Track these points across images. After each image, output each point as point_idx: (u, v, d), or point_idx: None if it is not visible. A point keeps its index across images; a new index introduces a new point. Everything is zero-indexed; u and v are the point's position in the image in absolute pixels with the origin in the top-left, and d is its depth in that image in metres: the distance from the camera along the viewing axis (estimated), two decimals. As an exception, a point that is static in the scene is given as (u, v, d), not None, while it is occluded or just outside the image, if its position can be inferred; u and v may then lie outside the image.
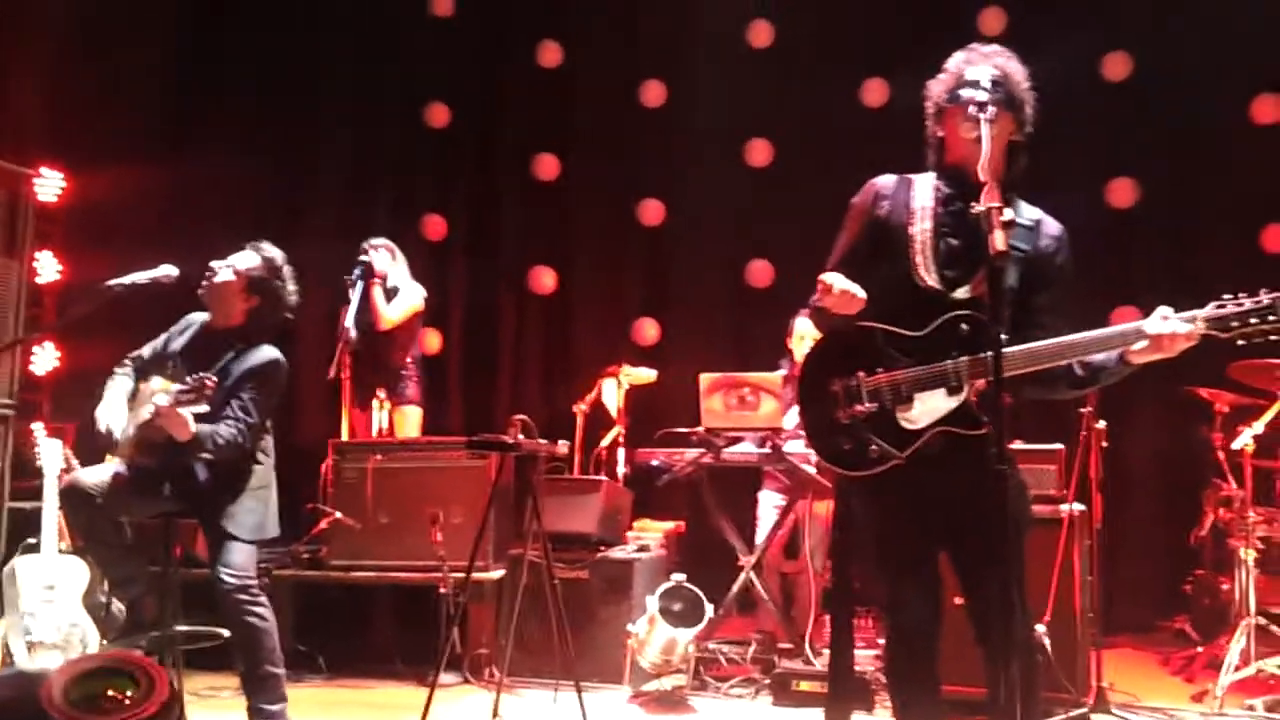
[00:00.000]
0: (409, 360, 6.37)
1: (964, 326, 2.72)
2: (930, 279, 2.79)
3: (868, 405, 2.80)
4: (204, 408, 3.75)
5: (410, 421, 6.30)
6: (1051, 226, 2.88)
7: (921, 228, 2.83)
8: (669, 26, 7.62)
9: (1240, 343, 2.56)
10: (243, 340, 4.10)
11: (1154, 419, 6.68)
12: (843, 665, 4.15)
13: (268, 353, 4.08)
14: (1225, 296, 2.58)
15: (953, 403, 2.72)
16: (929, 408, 2.75)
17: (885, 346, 2.80)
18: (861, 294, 2.75)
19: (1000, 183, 2.58)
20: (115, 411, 4.08)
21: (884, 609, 2.95)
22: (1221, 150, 6.76)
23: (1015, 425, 2.93)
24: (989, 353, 2.46)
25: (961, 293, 2.77)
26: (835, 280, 2.76)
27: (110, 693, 3.57)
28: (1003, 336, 2.64)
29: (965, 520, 2.66)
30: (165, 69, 7.35)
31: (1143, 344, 2.59)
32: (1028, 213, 2.86)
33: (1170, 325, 2.56)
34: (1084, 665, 4.52)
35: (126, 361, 4.27)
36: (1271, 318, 2.52)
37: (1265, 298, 2.53)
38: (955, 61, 2.85)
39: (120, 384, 4.17)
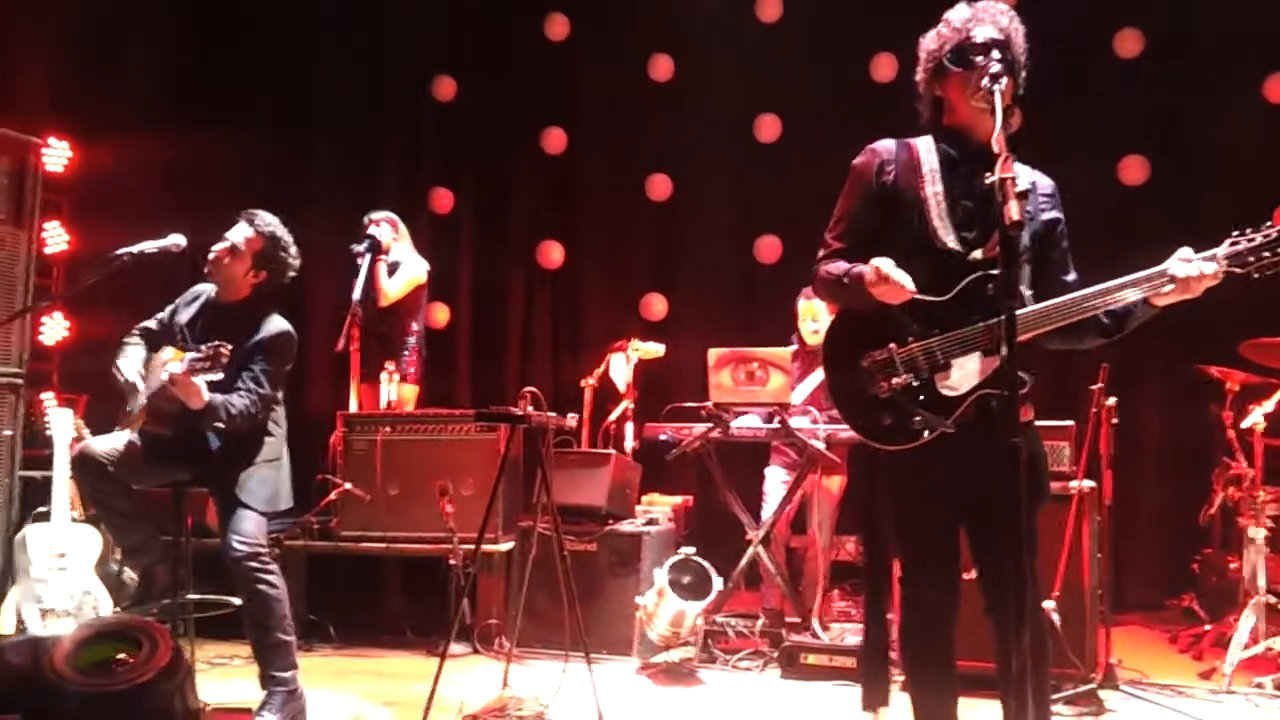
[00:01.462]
0: (410, 336, 6.35)
1: (989, 287, 2.69)
2: (951, 241, 2.76)
3: (905, 376, 2.77)
4: (218, 375, 3.75)
5: (406, 401, 6.29)
6: (1044, 185, 2.89)
7: (934, 190, 2.80)
8: (677, 0, 7.58)
9: (1255, 276, 2.58)
10: (251, 312, 4.10)
11: (1165, 397, 6.69)
12: (878, 641, 4.18)
13: (278, 324, 4.09)
14: (1236, 232, 2.60)
15: (990, 365, 2.70)
16: (968, 372, 2.73)
17: (908, 315, 2.76)
18: (912, 286, 2.69)
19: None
20: (134, 368, 4.07)
21: (901, 582, 2.94)
22: (1234, 129, 6.72)
23: (1035, 394, 2.90)
24: (1017, 310, 2.47)
25: (978, 253, 2.75)
26: (889, 268, 2.68)
27: (115, 655, 3.58)
28: (1027, 293, 2.67)
29: (983, 491, 2.65)
30: (172, 39, 7.31)
31: (1169, 286, 2.60)
32: (1024, 175, 2.82)
33: (1195, 266, 2.58)
34: (1093, 641, 4.53)
35: (135, 332, 4.27)
36: None
37: (1275, 231, 2.56)
38: (957, 17, 2.81)
39: (131, 353, 4.17)
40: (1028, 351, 2.71)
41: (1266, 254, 2.55)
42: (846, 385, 2.88)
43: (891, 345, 2.79)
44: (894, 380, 2.78)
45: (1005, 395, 2.45)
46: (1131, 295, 2.64)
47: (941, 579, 2.85)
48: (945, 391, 2.74)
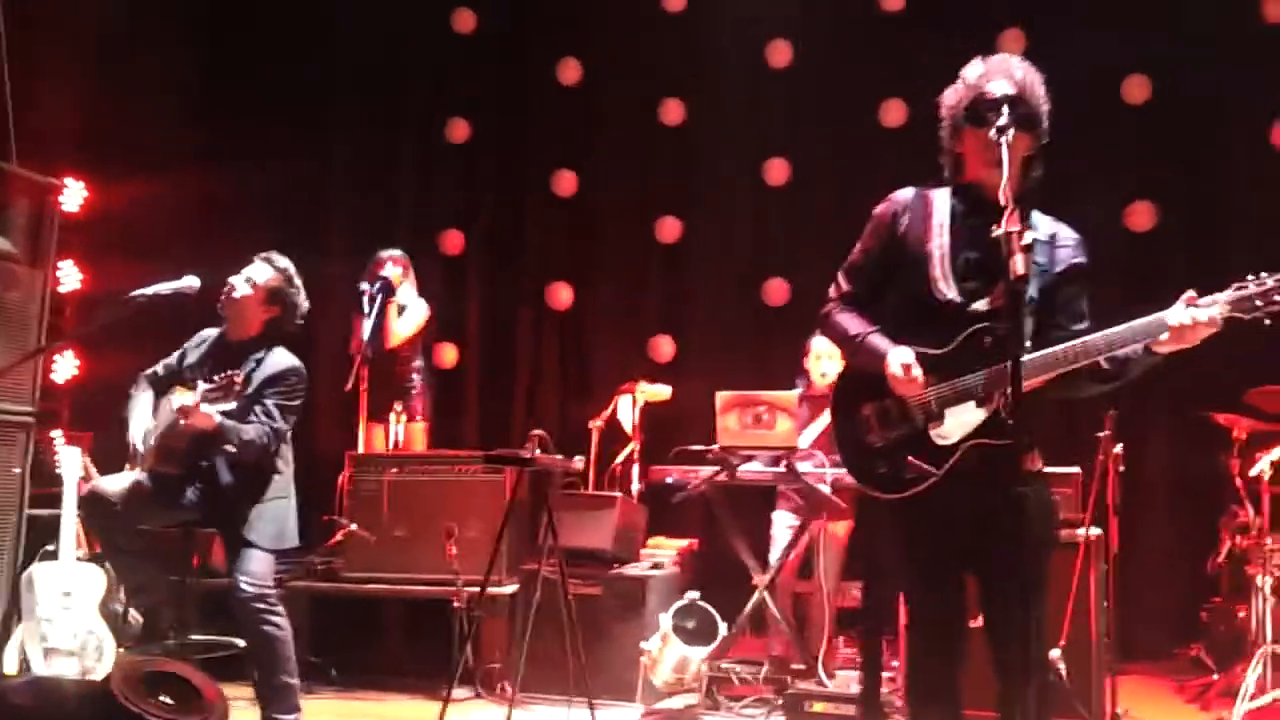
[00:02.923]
0: (415, 374, 6.40)
1: (987, 339, 2.72)
2: (950, 292, 2.79)
3: (900, 427, 2.81)
4: (232, 405, 3.80)
5: (415, 438, 6.32)
6: (1067, 237, 2.88)
7: (939, 242, 2.83)
8: (688, 45, 7.66)
9: (1268, 323, 2.53)
10: (260, 348, 4.16)
11: (1171, 444, 6.66)
12: (873, 688, 4.16)
13: (287, 359, 4.15)
14: (1248, 277, 2.57)
15: (982, 414, 2.72)
16: (960, 421, 2.74)
17: None
18: (920, 374, 2.74)
19: (1017, 199, 2.59)
20: (142, 426, 4.12)
21: (907, 629, 2.94)
22: (1241, 174, 6.74)
23: (1042, 442, 2.89)
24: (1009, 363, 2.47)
25: (981, 304, 2.77)
26: (913, 365, 2.74)
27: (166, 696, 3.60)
28: (1026, 345, 2.66)
29: (989, 539, 2.64)
30: (187, 81, 7.41)
31: (1165, 335, 2.57)
32: (1044, 226, 2.86)
33: (1189, 314, 2.54)
34: (1099, 691, 4.49)
35: (142, 379, 4.31)
36: None
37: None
38: (972, 74, 2.84)
39: (142, 400, 4.21)
40: (1030, 403, 2.70)
41: (1279, 298, 2.51)
42: (848, 433, 2.94)
43: (889, 396, 2.82)
44: (889, 430, 2.81)
45: (1001, 445, 2.47)
46: (1131, 344, 2.63)
47: (947, 627, 2.85)
48: (937, 440, 2.76)
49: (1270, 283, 2.53)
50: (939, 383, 2.77)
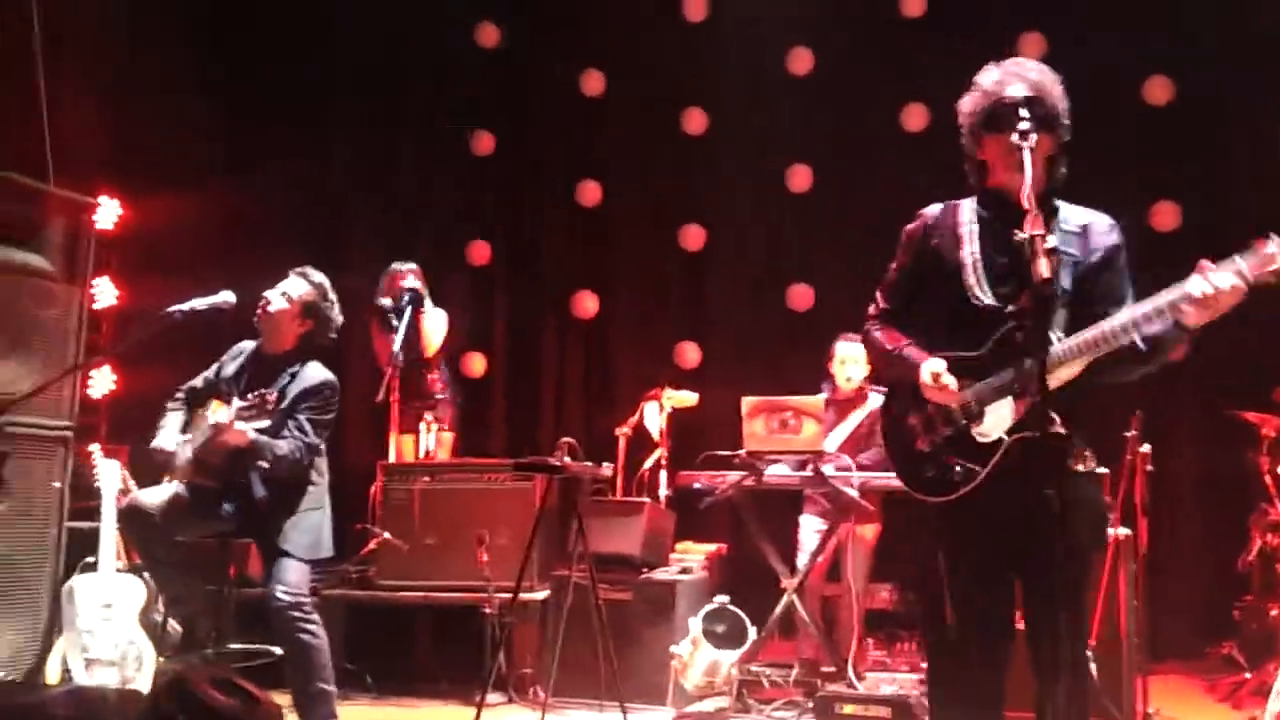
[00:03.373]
0: (440, 383, 6.50)
1: (1018, 335, 2.74)
2: (987, 298, 2.83)
3: (945, 430, 2.85)
4: (265, 422, 3.86)
5: (444, 447, 6.39)
6: (1101, 224, 2.90)
7: (970, 250, 2.88)
8: (710, 54, 7.69)
9: None
10: (295, 362, 4.22)
11: (1199, 443, 6.63)
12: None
13: (321, 373, 4.20)
14: (1270, 235, 2.55)
15: (1019, 408, 2.74)
16: (999, 418, 2.77)
17: (949, 371, 2.82)
18: (955, 388, 2.80)
19: (1043, 197, 2.61)
20: (170, 437, 4.19)
21: (955, 634, 2.93)
22: (1265, 173, 6.72)
23: (1093, 441, 2.88)
24: (1038, 357, 2.52)
25: (1013, 307, 2.78)
26: (944, 374, 2.80)
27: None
28: (1059, 337, 2.69)
29: (1038, 540, 2.60)
30: (211, 94, 7.51)
31: (1189, 308, 2.55)
32: (1075, 217, 2.88)
33: (1211, 280, 2.52)
34: (1130, 691, 4.49)
35: (179, 395, 4.38)
36: None
37: None
38: (989, 79, 2.87)
39: (174, 418, 4.28)
40: (1070, 397, 2.72)
41: None
42: (897, 441, 3.00)
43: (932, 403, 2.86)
44: (934, 434, 2.86)
45: (1039, 440, 2.49)
46: (1158, 322, 2.62)
47: (996, 630, 2.87)
48: (980, 439, 2.79)
49: None
50: (977, 384, 2.80)
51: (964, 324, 2.84)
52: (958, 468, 2.79)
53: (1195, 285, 2.55)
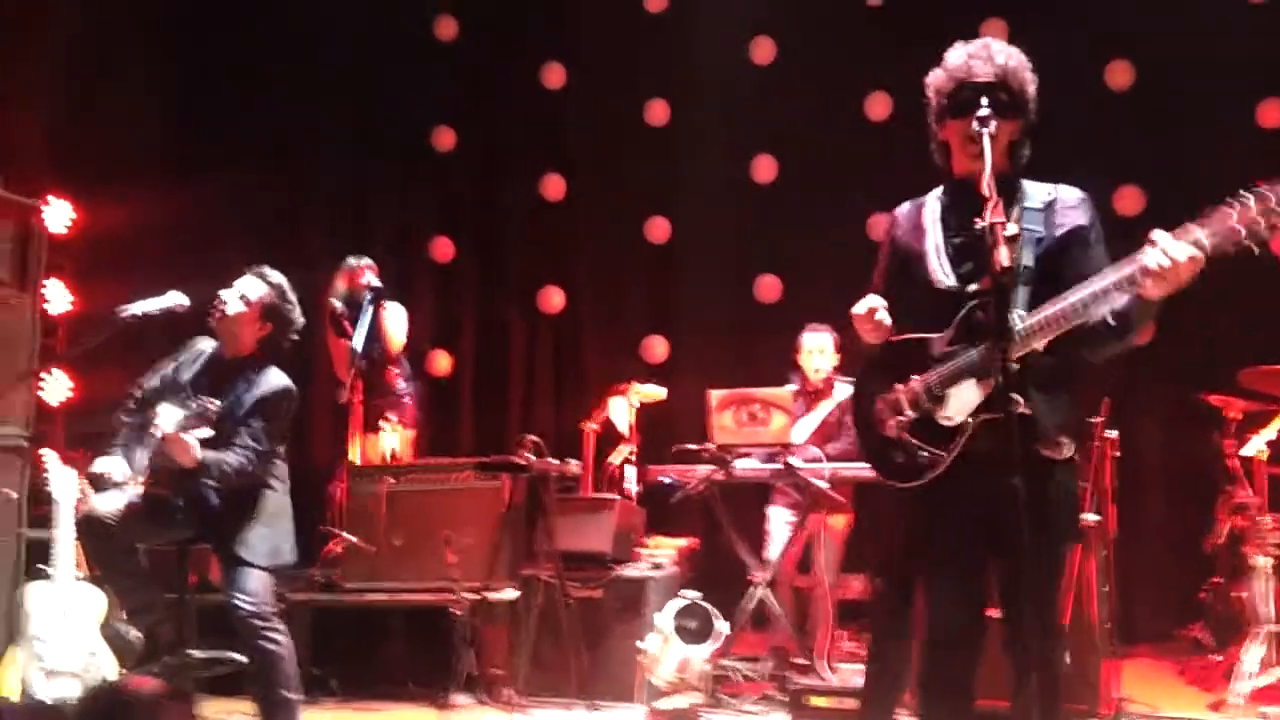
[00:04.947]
0: (401, 380, 6.43)
1: (979, 315, 2.72)
2: (949, 280, 2.82)
3: (909, 414, 2.82)
4: (207, 431, 3.77)
5: (405, 446, 6.32)
6: (1069, 198, 2.85)
7: (934, 238, 2.89)
8: (672, 45, 7.66)
9: (1256, 251, 2.45)
10: (254, 368, 4.12)
11: (1166, 427, 6.67)
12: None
13: (279, 380, 4.10)
14: (1227, 199, 2.51)
15: (983, 390, 2.71)
16: (962, 401, 2.74)
17: (915, 355, 2.82)
18: (885, 318, 2.82)
19: (1005, 180, 2.60)
20: (118, 466, 4.07)
21: (925, 618, 2.90)
22: (1228, 155, 6.74)
23: (1066, 421, 2.82)
24: (998, 338, 2.53)
25: (974, 286, 2.76)
26: (859, 307, 2.84)
27: None
28: (1021, 314, 2.66)
29: (1010, 527, 2.54)
30: (169, 96, 7.39)
31: (1149, 281, 2.50)
32: (1039, 194, 2.84)
33: (1166, 251, 2.46)
34: (1101, 676, 4.49)
35: (132, 404, 4.25)
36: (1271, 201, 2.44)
37: (1254, 190, 2.49)
38: (955, 59, 2.84)
39: (125, 435, 4.16)
40: (1045, 381, 2.68)
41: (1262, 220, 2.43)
42: (866, 431, 2.98)
43: (896, 386, 2.84)
44: (898, 418, 2.83)
45: (1005, 423, 2.46)
46: (1118, 295, 2.59)
47: (967, 618, 2.84)
48: (943, 422, 2.77)
49: (1254, 203, 2.46)
50: (940, 366, 2.78)
51: (931, 309, 2.83)
52: (923, 453, 2.77)
53: (1151, 258, 2.49)
